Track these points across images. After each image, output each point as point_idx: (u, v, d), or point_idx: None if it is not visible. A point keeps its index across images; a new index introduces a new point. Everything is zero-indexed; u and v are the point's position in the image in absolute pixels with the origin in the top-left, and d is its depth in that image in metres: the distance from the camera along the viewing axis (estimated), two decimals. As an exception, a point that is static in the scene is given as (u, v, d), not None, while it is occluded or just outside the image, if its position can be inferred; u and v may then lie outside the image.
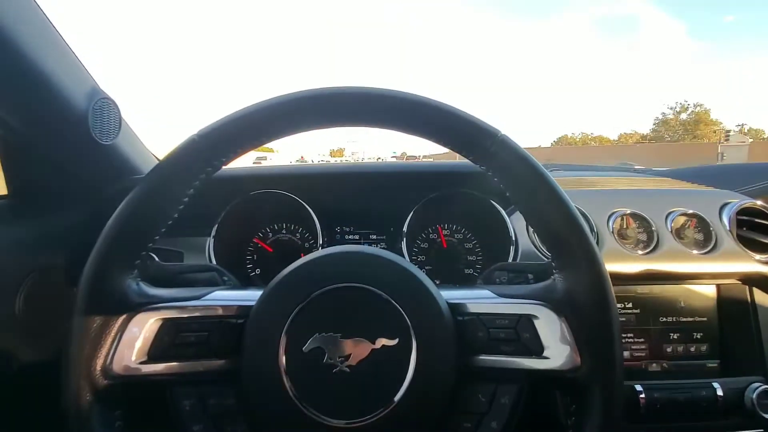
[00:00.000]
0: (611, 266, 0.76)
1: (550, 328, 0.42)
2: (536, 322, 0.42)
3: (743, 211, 0.79)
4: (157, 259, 0.75)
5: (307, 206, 0.82)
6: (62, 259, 0.70)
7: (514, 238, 0.77)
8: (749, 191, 0.85)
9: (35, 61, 0.54)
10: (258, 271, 0.88)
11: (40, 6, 0.55)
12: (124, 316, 0.42)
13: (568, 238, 0.41)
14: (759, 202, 0.80)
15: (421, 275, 0.44)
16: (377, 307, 0.41)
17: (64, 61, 0.59)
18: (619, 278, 0.76)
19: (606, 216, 0.79)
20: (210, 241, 0.78)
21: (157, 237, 0.44)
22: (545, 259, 0.75)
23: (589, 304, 0.41)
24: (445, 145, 0.43)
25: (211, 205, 0.78)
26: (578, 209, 0.78)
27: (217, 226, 0.79)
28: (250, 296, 0.45)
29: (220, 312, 0.45)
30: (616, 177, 0.98)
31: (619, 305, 0.78)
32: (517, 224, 0.79)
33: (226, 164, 0.44)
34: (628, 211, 0.78)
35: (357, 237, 0.91)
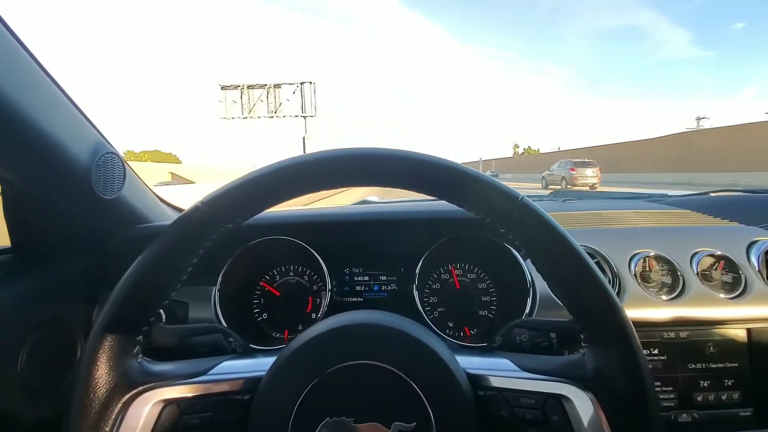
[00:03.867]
0: (634, 312, 0.73)
1: (581, 410, 0.38)
2: (566, 404, 0.39)
3: None
4: (162, 312, 0.73)
5: (313, 251, 0.79)
6: (66, 312, 0.69)
7: (531, 283, 0.74)
8: (777, 227, 0.81)
9: (36, 120, 0.53)
10: (265, 315, 0.85)
11: (43, 65, 0.54)
12: (124, 399, 0.40)
13: (598, 313, 0.38)
14: None
15: (440, 347, 0.41)
16: (393, 386, 0.38)
17: (67, 118, 0.58)
18: (643, 325, 0.72)
19: (627, 258, 0.75)
20: (215, 294, 0.76)
21: (159, 311, 0.42)
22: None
23: (623, 386, 0.38)
24: (464, 207, 0.41)
25: (216, 253, 0.76)
26: (598, 252, 0.76)
27: (222, 274, 0.77)
28: (258, 366, 0.43)
29: (225, 388, 0.42)
30: (634, 211, 0.95)
31: (644, 351, 0.75)
32: (533, 269, 0.75)
33: (232, 229, 0.42)
34: (652, 253, 0.75)
35: (366, 278, 0.89)
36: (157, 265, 0.40)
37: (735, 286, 0.73)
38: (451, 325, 0.84)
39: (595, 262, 0.74)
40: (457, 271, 0.86)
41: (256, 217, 0.81)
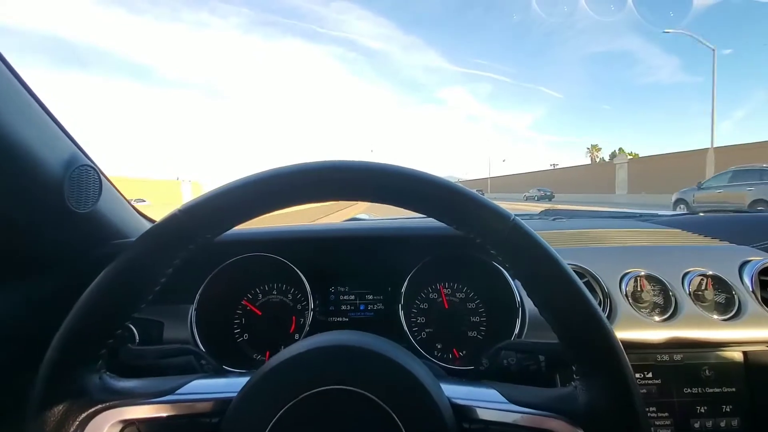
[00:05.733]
0: (627, 334, 0.71)
1: None
2: None
3: (765, 271, 0.74)
4: (134, 330, 0.70)
5: (296, 269, 0.77)
6: (37, 331, 0.65)
7: (520, 304, 0.72)
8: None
9: (5, 131, 0.51)
10: (246, 336, 0.82)
11: (14, 69, 0.53)
12: (81, 417, 0.37)
13: (591, 343, 0.36)
14: None
15: (424, 374, 0.38)
16: (371, 415, 0.36)
17: (39, 128, 0.57)
18: (636, 347, 0.70)
19: (618, 278, 0.73)
20: (192, 313, 0.73)
21: (127, 322, 0.39)
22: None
23: (616, 423, 0.35)
24: (454, 226, 0.39)
25: (194, 271, 0.73)
26: (588, 271, 0.74)
27: (200, 292, 0.74)
28: (231, 386, 0.40)
29: (193, 409, 0.39)
30: (625, 230, 0.93)
31: (637, 375, 0.72)
32: (522, 288, 0.73)
33: (211, 240, 0.40)
34: (643, 273, 0.73)
35: (352, 297, 0.86)
36: (126, 275, 0.37)
37: (729, 307, 0.71)
38: (439, 346, 0.81)
39: (585, 282, 0.72)
40: (445, 291, 0.84)
41: (237, 232, 0.79)
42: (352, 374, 0.37)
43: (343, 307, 0.86)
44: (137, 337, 0.69)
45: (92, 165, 0.65)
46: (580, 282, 0.36)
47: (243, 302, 0.83)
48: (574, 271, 0.73)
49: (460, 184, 0.39)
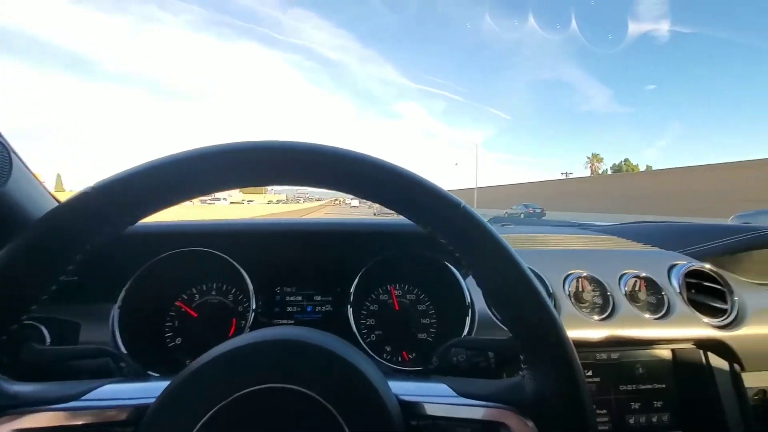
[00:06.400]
0: (570, 333, 0.72)
1: None
2: None
3: (691, 274, 0.80)
4: (45, 331, 0.61)
5: (238, 266, 0.72)
6: None
7: (470, 303, 0.72)
8: (693, 252, 0.87)
9: None
10: (179, 340, 0.75)
11: None
12: None
13: (539, 332, 0.35)
14: (707, 266, 0.81)
15: (369, 369, 0.35)
16: (311, 414, 0.32)
17: None
18: (578, 345, 0.72)
19: (561, 278, 0.76)
20: (115, 313, 0.65)
21: (24, 317, 0.33)
22: (503, 326, 0.69)
23: (563, 411, 0.35)
24: (403, 213, 0.37)
25: (119, 266, 0.66)
26: (533, 271, 0.75)
27: (125, 290, 0.67)
28: (149, 391, 0.35)
29: (102, 417, 0.34)
30: (566, 235, 0.98)
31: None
32: (473, 287, 0.73)
33: (132, 224, 0.35)
34: (584, 274, 0.76)
35: (299, 298, 0.82)
36: (21, 261, 0.32)
37: (659, 307, 0.76)
38: (388, 349, 0.79)
39: None
40: (396, 292, 0.82)
41: (174, 224, 0.72)
42: (289, 371, 0.33)
43: (289, 309, 0.81)
44: (48, 338, 0.60)
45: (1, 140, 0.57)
46: (528, 270, 0.36)
47: (177, 303, 0.76)
48: None
49: (409, 169, 0.37)
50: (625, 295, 0.75)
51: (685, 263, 0.81)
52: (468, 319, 0.70)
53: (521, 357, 0.37)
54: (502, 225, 1.18)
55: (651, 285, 0.77)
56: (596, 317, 0.73)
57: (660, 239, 0.94)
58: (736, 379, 0.77)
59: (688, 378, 0.76)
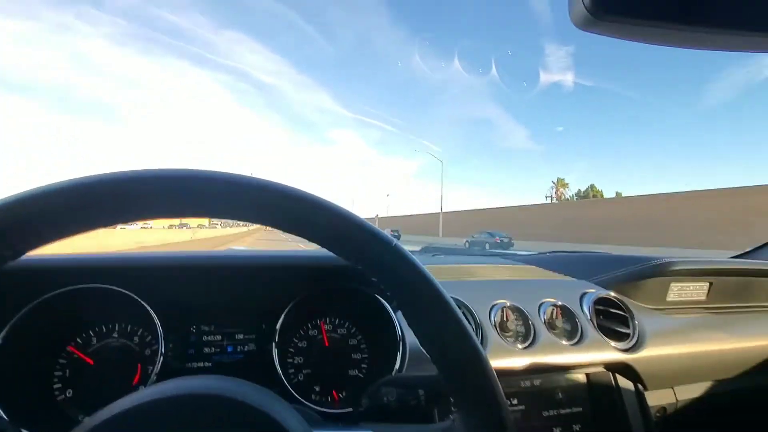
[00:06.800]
0: (496, 362, 0.74)
1: None
2: None
3: (599, 301, 0.87)
4: None
5: (144, 303, 0.64)
6: None
7: (401, 337, 0.71)
8: (600, 281, 0.95)
9: None
10: (70, 392, 0.64)
11: None
12: None
13: (469, 376, 0.35)
14: (612, 293, 0.89)
15: (293, 424, 0.32)
16: None
17: None
18: (504, 374, 0.74)
19: (488, 308, 0.78)
20: None
21: None
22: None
23: None
24: (333, 250, 0.36)
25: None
26: (463, 303, 0.77)
27: (3, 335, 0.56)
28: None
29: None
30: (492, 265, 1.02)
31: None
32: (404, 322, 0.73)
33: (12, 259, 0.29)
34: (508, 304, 0.79)
35: (219, 338, 0.75)
36: None
37: (574, 333, 0.81)
38: (317, 389, 0.74)
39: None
40: (326, 327, 0.79)
41: (67, 257, 0.64)
42: (198, 430, 0.29)
43: (207, 350, 0.74)
44: None
45: None
46: (457, 309, 0.36)
47: (69, 348, 0.66)
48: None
49: (339, 205, 0.36)
50: (545, 323, 0.80)
51: (594, 291, 0.88)
52: (399, 354, 0.69)
53: (452, 399, 0.36)
54: (433, 255, 1.21)
55: (566, 313, 0.83)
56: (520, 345, 0.76)
57: (573, 269, 1.02)
58: (640, 398, 0.84)
59: (601, 400, 0.81)
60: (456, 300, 0.77)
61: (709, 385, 0.95)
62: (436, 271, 0.91)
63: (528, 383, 0.78)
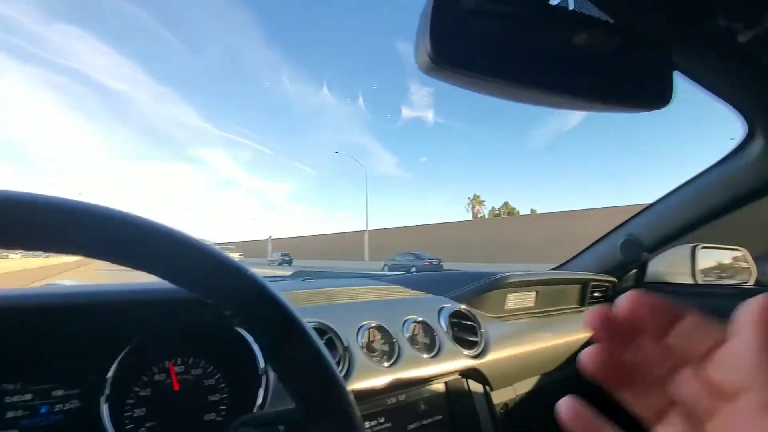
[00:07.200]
0: (364, 383, 0.76)
1: None
2: None
3: (454, 314, 0.97)
4: None
5: None
6: None
7: (263, 371, 0.67)
8: (455, 296, 1.06)
9: None
10: None
11: None
12: None
13: (327, 408, 0.35)
14: (464, 306, 1.00)
15: None
16: None
17: None
18: (371, 394, 0.76)
19: (355, 330, 0.80)
20: None
21: None
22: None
23: None
24: (179, 284, 0.31)
25: None
26: (330, 327, 0.77)
27: None
28: None
29: None
30: (361, 288, 1.05)
31: (372, 422, 0.77)
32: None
33: None
34: (374, 324, 0.82)
35: (29, 396, 0.59)
36: None
37: (433, 346, 0.88)
38: None
39: (328, 338, 0.75)
40: (177, 368, 0.69)
41: None
42: None
43: (11, 414, 0.58)
44: None
45: None
46: (316, 340, 0.36)
47: None
48: (317, 328, 0.74)
49: (188, 234, 0.33)
50: (408, 339, 0.85)
51: (450, 306, 0.98)
52: (261, 390, 0.65)
53: None
54: (304, 280, 1.19)
55: (426, 328, 0.90)
56: (386, 364, 0.79)
57: (433, 286, 1.12)
58: (488, 398, 0.95)
59: (458, 406, 0.89)
60: (323, 325, 0.77)
61: (540, 378, 1.13)
62: (306, 297, 0.90)
63: (394, 399, 0.81)
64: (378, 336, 0.82)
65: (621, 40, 0.58)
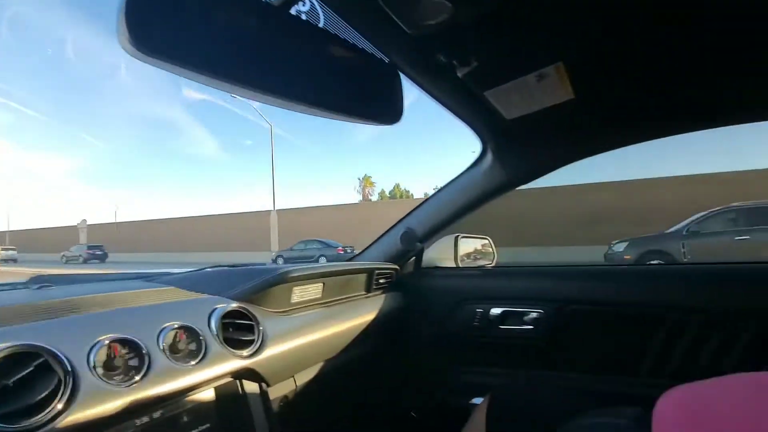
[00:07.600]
0: (96, 409, 0.63)
1: None
2: None
3: (228, 314, 0.92)
4: None
5: None
6: None
7: None
8: (234, 295, 1.01)
9: None
10: None
11: None
12: None
13: None
14: (241, 305, 0.96)
15: None
16: None
17: None
18: (107, 421, 0.65)
19: (87, 349, 0.67)
20: None
21: None
22: None
23: None
24: None
25: None
26: (48, 350, 0.62)
27: None
28: None
29: None
30: (118, 293, 0.91)
31: None
32: None
33: None
34: (116, 337, 0.71)
35: None
36: None
37: (198, 352, 0.82)
38: None
39: (42, 362, 0.61)
40: None
41: None
42: None
43: None
44: None
45: None
46: None
47: None
48: (28, 352, 0.60)
49: None
50: (163, 350, 0.76)
51: (224, 306, 0.93)
52: None
53: None
54: (39, 287, 0.96)
55: (190, 333, 0.82)
56: (131, 382, 0.69)
57: (211, 286, 1.04)
58: (264, 396, 0.95)
59: (229, 409, 0.86)
60: (37, 348, 0.61)
61: (322, 365, 1.19)
62: (25, 311, 0.72)
63: (146, 418, 0.72)
64: (122, 351, 0.71)
65: (356, 58, 0.64)
